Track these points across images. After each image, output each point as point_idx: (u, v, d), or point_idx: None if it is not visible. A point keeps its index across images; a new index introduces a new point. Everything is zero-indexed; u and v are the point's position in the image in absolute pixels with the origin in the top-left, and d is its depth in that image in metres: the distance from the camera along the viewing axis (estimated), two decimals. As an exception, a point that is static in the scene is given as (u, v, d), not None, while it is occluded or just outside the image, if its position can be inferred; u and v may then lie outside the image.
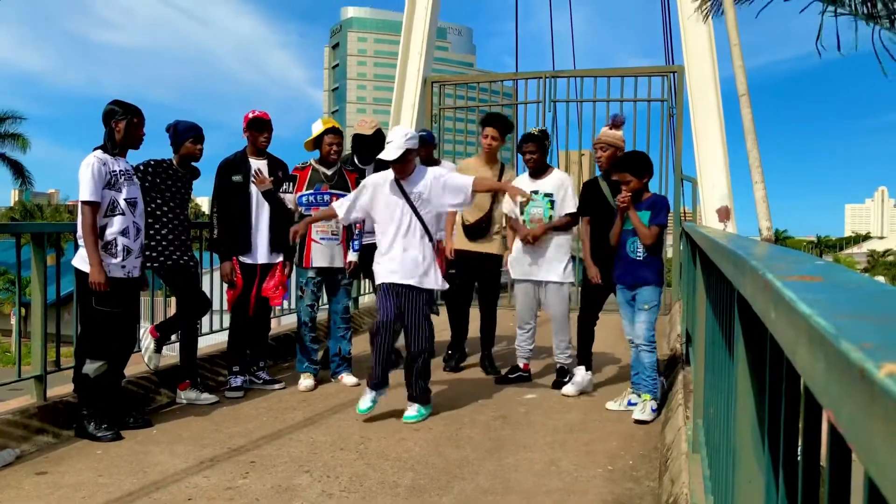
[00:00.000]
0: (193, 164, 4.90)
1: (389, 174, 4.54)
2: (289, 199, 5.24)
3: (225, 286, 5.27)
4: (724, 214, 8.91)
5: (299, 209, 5.23)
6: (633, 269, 4.55)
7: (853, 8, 6.95)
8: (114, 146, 4.17)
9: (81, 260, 4.08)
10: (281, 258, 5.20)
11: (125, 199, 4.15)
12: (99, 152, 4.13)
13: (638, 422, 4.38)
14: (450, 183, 4.49)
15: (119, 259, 4.09)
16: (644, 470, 3.59)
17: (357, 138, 5.64)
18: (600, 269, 5.02)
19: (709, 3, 7.79)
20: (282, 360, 6.14)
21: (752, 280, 0.91)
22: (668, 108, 9.35)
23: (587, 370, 5.15)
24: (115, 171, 4.12)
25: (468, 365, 5.96)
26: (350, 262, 5.33)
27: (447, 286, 4.74)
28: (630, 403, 4.63)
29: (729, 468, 2.11)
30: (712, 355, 2.79)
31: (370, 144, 5.54)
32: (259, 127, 5.17)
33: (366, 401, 4.44)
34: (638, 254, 4.54)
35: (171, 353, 5.24)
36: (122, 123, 4.17)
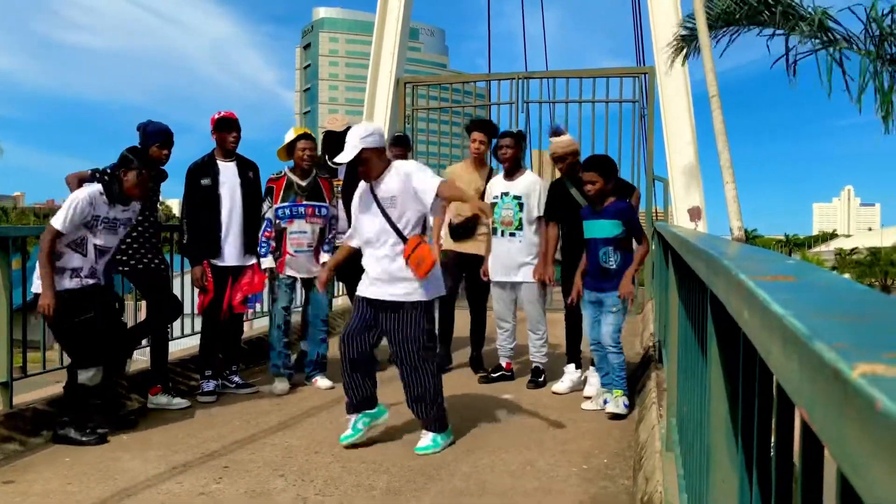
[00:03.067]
0: (161, 167, 4.84)
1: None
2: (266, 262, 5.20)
3: (196, 290, 5.21)
4: (695, 214, 9.00)
5: (277, 222, 5.18)
6: (604, 276, 4.58)
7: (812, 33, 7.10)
8: (117, 195, 4.11)
9: (36, 283, 4.02)
10: (253, 260, 5.16)
11: (95, 245, 4.09)
12: (97, 192, 4.06)
13: (613, 416, 4.41)
14: (417, 186, 3.89)
15: (66, 276, 4.02)
16: (618, 468, 3.61)
17: (328, 136, 5.61)
18: (572, 269, 5.04)
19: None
20: (254, 363, 6.08)
21: (724, 280, 0.91)
22: (639, 108, 9.44)
23: (577, 367, 5.19)
24: (100, 216, 4.06)
25: (454, 366, 5.94)
26: (324, 263, 5.29)
27: (442, 292, 4.24)
28: (605, 402, 4.66)
29: (703, 467, 2.13)
30: (685, 355, 2.81)
31: (341, 141, 5.50)
32: (227, 127, 5.12)
33: (347, 430, 3.98)
34: (610, 262, 4.57)
35: (142, 358, 5.16)
36: (132, 175, 4.10)
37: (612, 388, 4.56)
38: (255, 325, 6.91)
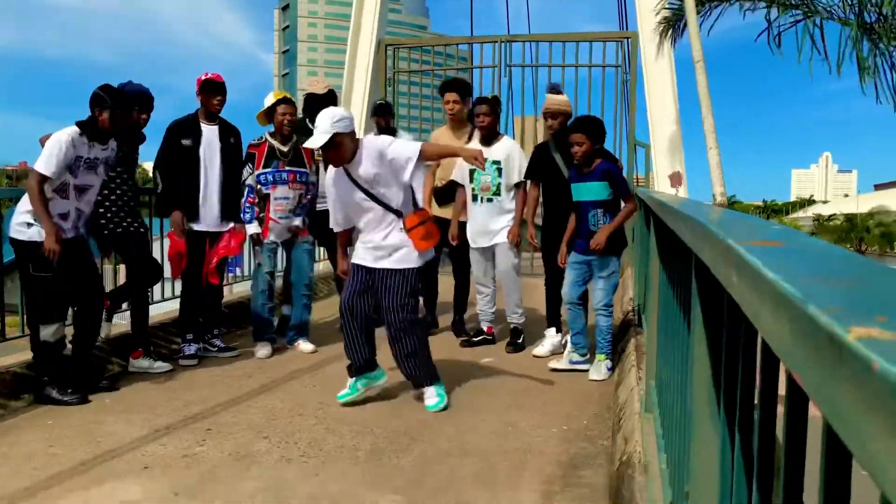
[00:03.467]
0: (141, 130, 4.79)
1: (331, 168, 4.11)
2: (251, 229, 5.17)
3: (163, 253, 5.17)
4: (676, 180, 9.05)
5: (259, 188, 5.14)
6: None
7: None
8: (93, 134, 4.05)
9: (16, 229, 3.99)
10: (231, 225, 5.11)
11: (75, 185, 4.06)
12: (75, 132, 4.01)
13: (593, 381, 4.48)
14: (395, 158, 3.87)
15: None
16: (598, 429, 3.67)
17: (309, 98, 5.55)
18: (556, 231, 5.05)
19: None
20: (235, 327, 6.07)
21: (711, 245, 0.92)
22: (622, 73, 9.41)
23: (557, 331, 5.23)
24: (81, 156, 4.02)
25: (437, 331, 5.97)
26: (296, 226, 5.25)
27: (430, 256, 4.25)
28: (571, 362, 4.72)
29: (682, 427, 2.17)
30: (665, 319, 2.85)
31: (323, 104, 5.45)
32: (212, 90, 5.04)
33: (345, 388, 4.08)
34: (599, 225, 4.58)
35: (122, 322, 5.14)
36: (106, 114, 4.04)
37: (597, 353, 4.61)
38: (236, 290, 6.88)
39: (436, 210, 5.73)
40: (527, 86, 19.82)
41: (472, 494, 2.90)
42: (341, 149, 3.86)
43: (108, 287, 4.95)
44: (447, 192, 5.75)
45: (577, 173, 4.66)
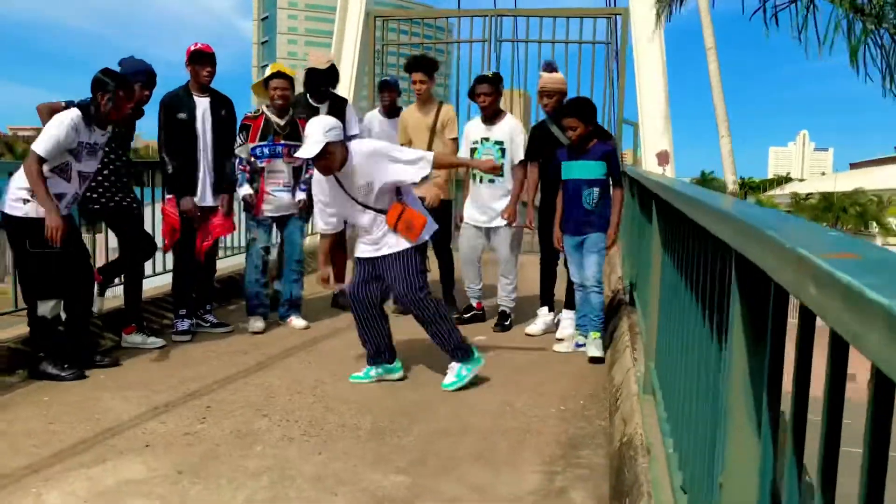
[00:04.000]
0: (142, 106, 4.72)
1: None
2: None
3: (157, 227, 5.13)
4: (663, 158, 9.08)
5: (254, 160, 5.08)
6: (587, 218, 4.61)
7: None
8: (95, 118, 4.00)
9: (11, 206, 3.93)
10: (220, 200, 5.06)
11: (79, 171, 4.03)
12: (78, 116, 3.95)
13: (593, 359, 4.52)
14: (400, 161, 3.95)
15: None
16: (594, 409, 3.72)
17: (310, 72, 5.48)
18: (551, 211, 5.06)
19: None
20: (226, 302, 6.06)
21: (773, 252, 0.93)
22: (612, 50, 9.40)
23: (550, 310, 5.26)
24: (83, 141, 3.98)
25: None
26: (300, 201, 5.23)
27: (434, 227, 4.26)
28: (577, 345, 4.76)
29: (689, 413, 2.21)
30: (669, 305, 2.88)
31: (324, 78, 5.40)
32: (201, 60, 4.96)
33: (359, 370, 4.19)
34: (593, 204, 4.59)
35: (114, 296, 5.10)
36: (108, 97, 4.00)
37: (589, 331, 4.65)
38: (226, 264, 6.83)
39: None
40: (517, 60, 19.72)
41: (474, 474, 2.94)
42: (332, 158, 3.83)
43: (100, 262, 4.90)
44: None
45: (571, 151, 4.67)
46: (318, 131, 3.76)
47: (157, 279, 5.65)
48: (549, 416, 3.62)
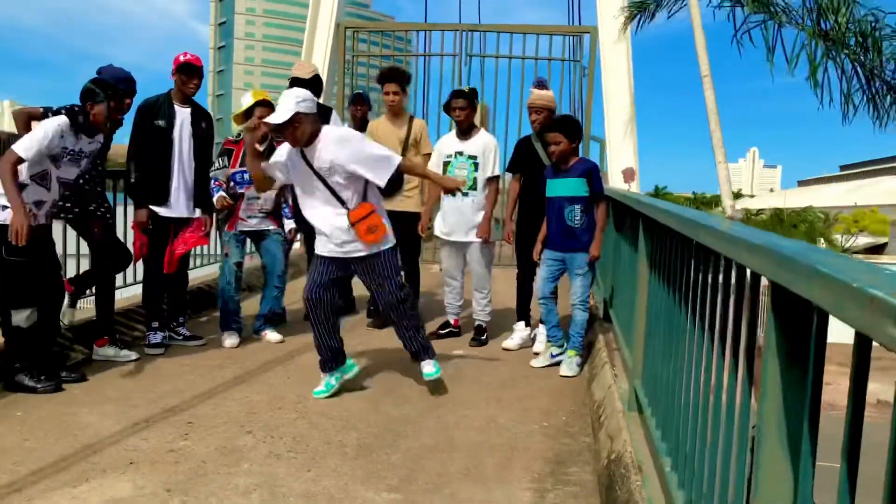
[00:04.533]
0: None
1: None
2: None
3: (131, 237, 5.04)
4: (629, 175, 9.24)
5: (233, 186, 5.04)
6: (570, 236, 4.67)
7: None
8: (83, 125, 3.94)
9: None
10: (198, 213, 5.00)
11: (58, 177, 3.97)
12: (65, 123, 3.89)
13: (565, 377, 4.57)
14: (366, 153, 3.96)
15: (28, 209, 3.88)
16: (577, 426, 3.76)
17: (294, 82, 5.45)
18: (531, 224, 5.11)
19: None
20: (196, 314, 5.97)
21: (831, 289, 0.97)
22: (579, 68, 9.55)
23: (526, 325, 5.30)
24: (67, 147, 3.92)
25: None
26: (291, 231, 5.23)
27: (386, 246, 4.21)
28: (552, 356, 4.81)
29: (689, 431, 2.26)
30: (660, 324, 2.94)
31: (307, 89, 5.36)
32: (189, 72, 4.90)
33: (320, 385, 4.10)
34: (576, 222, 4.65)
35: (87, 306, 4.99)
36: (99, 108, 3.94)
37: (567, 347, 4.70)
38: (195, 275, 6.74)
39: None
40: (486, 76, 19.85)
41: (466, 491, 2.95)
42: (299, 129, 3.86)
43: (71, 272, 4.79)
44: (389, 185, 5.68)
45: (555, 169, 4.73)
46: (290, 100, 3.84)
47: (127, 290, 5.54)
48: (534, 433, 3.65)
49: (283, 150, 4.07)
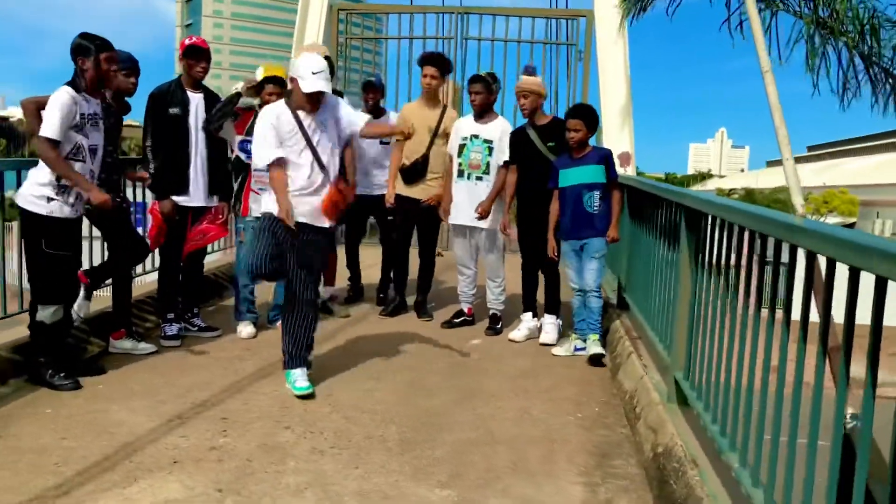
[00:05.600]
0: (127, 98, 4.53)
1: (281, 105, 4.04)
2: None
3: (147, 227, 4.95)
4: (625, 159, 9.26)
5: (239, 154, 4.93)
6: (588, 222, 4.69)
7: None
8: (83, 85, 3.80)
9: (26, 199, 3.76)
10: (215, 202, 4.92)
11: (89, 146, 3.88)
12: (69, 90, 3.76)
13: (594, 357, 4.62)
14: (344, 119, 4.11)
15: (72, 199, 3.84)
16: (612, 417, 3.78)
17: None
18: (532, 212, 5.11)
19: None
20: (204, 303, 5.88)
21: None
22: (575, 51, 9.52)
23: (534, 316, 5.30)
24: (84, 113, 3.80)
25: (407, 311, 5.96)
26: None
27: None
28: (577, 349, 4.83)
29: (752, 428, 2.28)
30: (715, 322, 2.95)
31: None
32: (196, 55, 4.78)
33: (301, 381, 3.97)
34: (595, 208, 4.67)
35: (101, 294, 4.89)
36: (90, 61, 3.79)
37: (588, 334, 4.73)
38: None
39: (403, 189, 5.66)
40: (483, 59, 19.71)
41: (517, 486, 2.95)
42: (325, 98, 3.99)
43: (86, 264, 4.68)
44: (414, 171, 5.65)
45: (570, 158, 4.73)
46: (327, 72, 3.94)
47: (137, 280, 5.44)
48: (570, 424, 3.66)
49: (269, 122, 3.98)
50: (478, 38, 9.47)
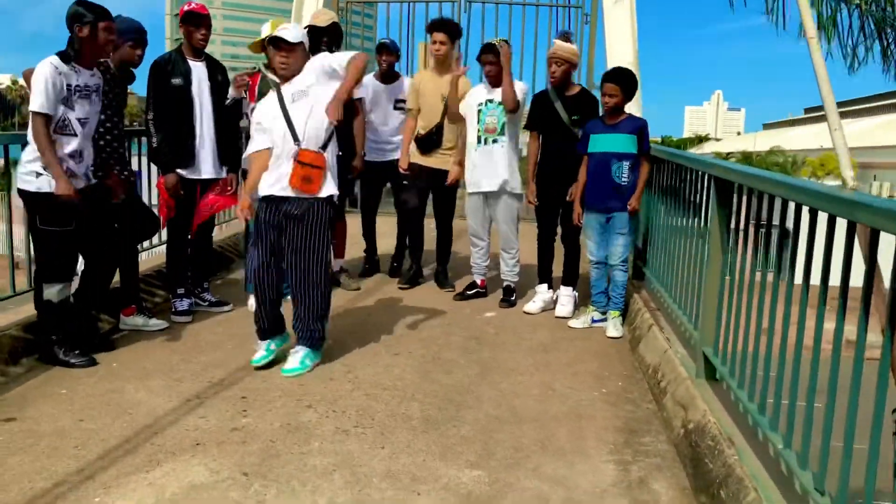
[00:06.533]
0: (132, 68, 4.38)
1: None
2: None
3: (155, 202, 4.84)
4: (632, 125, 9.11)
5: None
6: (614, 193, 4.58)
7: None
8: (76, 56, 3.64)
9: (24, 179, 3.63)
10: (225, 173, 4.80)
11: (78, 119, 3.70)
12: (56, 60, 3.60)
13: (612, 338, 4.54)
14: (334, 62, 3.82)
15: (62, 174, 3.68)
16: (636, 391, 3.73)
17: (311, 31, 5.19)
18: (550, 185, 5.04)
19: None
20: (212, 276, 5.78)
21: None
22: (582, 14, 9.33)
23: (549, 287, 5.22)
24: (72, 84, 3.64)
25: (423, 281, 5.89)
26: None
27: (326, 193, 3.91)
28: (594, 321, 4.76)
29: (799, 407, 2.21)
30: (747, 297, 2.88)
31: (325, 37, 5.11)
32: (195, 21, 4.62)
33: (260, 352, 3.93)
34: (623, 179, 4.57)
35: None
36: (87, 29, 3.63)
37: (609, 308, 4.66)
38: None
39: (418, 158, 5.55)
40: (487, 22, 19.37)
41: (548, 465, 2.90)
42: (296, 57, 3.83)
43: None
44: (429, 141, 5.55)
45: (602, 124, 4.62)
46: (297, 29, 3.94)
47: (143, 254, 5.34)
48: (594, 400, 3.61)
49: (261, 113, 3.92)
50: (482, 1, 9.25)
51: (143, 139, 4.95)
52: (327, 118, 3.77)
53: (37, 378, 3.68)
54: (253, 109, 4.74)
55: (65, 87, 3.63)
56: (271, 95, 3.91)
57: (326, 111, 3.74)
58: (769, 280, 2.69)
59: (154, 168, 4.81)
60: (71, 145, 3.69)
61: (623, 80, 4.52)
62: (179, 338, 4.38)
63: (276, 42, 3.78)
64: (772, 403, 2.55)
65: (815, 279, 2.20)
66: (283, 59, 3.80)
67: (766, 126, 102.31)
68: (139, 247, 4.76)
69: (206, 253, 5.06)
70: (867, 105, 67.85)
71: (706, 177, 3.55)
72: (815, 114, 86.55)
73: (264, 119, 3.86)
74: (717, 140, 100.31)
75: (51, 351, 3.80)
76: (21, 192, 3.66)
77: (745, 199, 3.01)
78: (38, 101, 3.54)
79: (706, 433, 2.87)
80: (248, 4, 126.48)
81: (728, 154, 50.74)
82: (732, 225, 3.18)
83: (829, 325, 2.12)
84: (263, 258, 3.88)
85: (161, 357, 4.04)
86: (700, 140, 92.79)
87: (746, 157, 44.81)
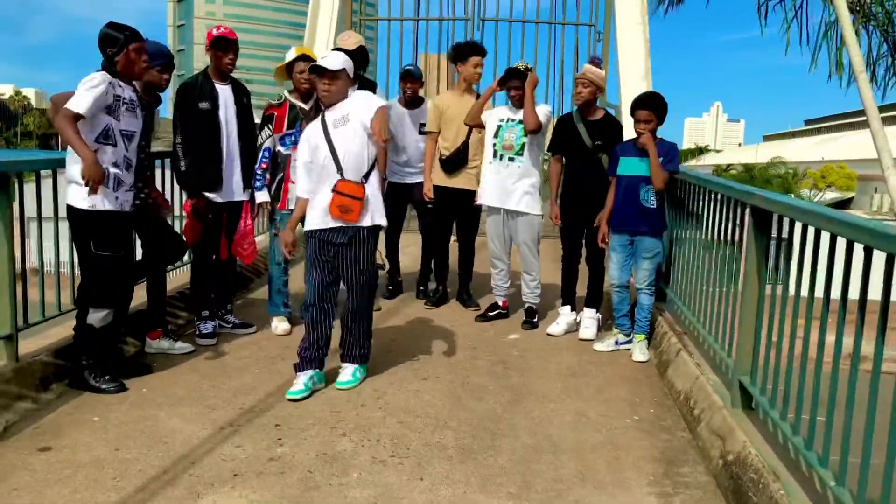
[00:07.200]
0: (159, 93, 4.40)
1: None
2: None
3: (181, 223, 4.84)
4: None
5: (279, 150, 4.81)
6: (643, 217, 4.58)
7: None
8: (115, 75, 3.67)
9: (76, 195, 3.62)
10: (246, 196, 4.81)
11: (121, 130, 3.72)
12: (104, 73, 3.63)
13: (638, 362, 4.53)
14: (370, 105, 3.83)
15: (110, 188, 3.67)
16: (669, 419, 3.71)
17: None
18: (573, 208, 5.05)
19: None
20: (233, 296, 5.78)
21: None
22: (594, 32, 9.36)
23: (572, 310, 5.22)
24: (121, 96, 3.67)
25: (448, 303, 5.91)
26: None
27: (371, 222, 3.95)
28: (618, 343, 4.76)
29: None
30: (781, 321, 2.87)
31: (353, 59, 5.12)
32: (224, 47, 4.64)
33: (298, 385, 3.87)
34: (651, 202, 4.57)
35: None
36: (118, 51, 3.66)
37: (634, 332, 4.65)
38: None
39: (443, 180, 5.57)
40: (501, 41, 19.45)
41: (589, 498, 2.88)
42: (340, 85, 3.87)
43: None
44: (455, 160, 5.57)
45: (633, 147, 4.63)
46: (341, 56, 3.93)
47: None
48: (628, 428, 3.59)
49: (306, 146, 3.98)
50: (495, 20, 9.29)
51: (167, 161, 4.95)
52: (366, 147, 3.83)
53: (68, 404, 3.66)
54: (281, 139, 4.77)
55: (112, 97, 3.65)
56: (315, 125, 3.93)
57: (372, 127, 3.77)
58: (815, 310, 2.68)
59: (177, 190, 4.81)
60: (113, 155, 3.68)
61: (658, 106, 4.53)
62: (206, 362, 4.37)
63: (320, 70, 3.81)
64: (820, 435, 2.54)
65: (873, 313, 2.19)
66: (326, 86, 3.85)
67: (767, 137, 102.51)
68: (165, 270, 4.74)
69: (230, 274, 5.05)
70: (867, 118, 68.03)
71: (740, 204, 3.55)
72: (815, 125, 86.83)
73: (316, 157, 3.88)
74: (718, 151, 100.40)
75: (81, 376, 3.78)
76: (70, 210, 3.64)
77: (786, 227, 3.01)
78: (76, 102, 3.49)
79: (748, 465, 2.85)
80: (250, 42, 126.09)
81: (728, 165, 50.79)
82: (772, 252, 3.18)
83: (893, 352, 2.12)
84: (319, 290, 3.94)
85: (190, 382, 4.03)
86: (700, 151, 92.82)
87: (748, 170, 44.80)
